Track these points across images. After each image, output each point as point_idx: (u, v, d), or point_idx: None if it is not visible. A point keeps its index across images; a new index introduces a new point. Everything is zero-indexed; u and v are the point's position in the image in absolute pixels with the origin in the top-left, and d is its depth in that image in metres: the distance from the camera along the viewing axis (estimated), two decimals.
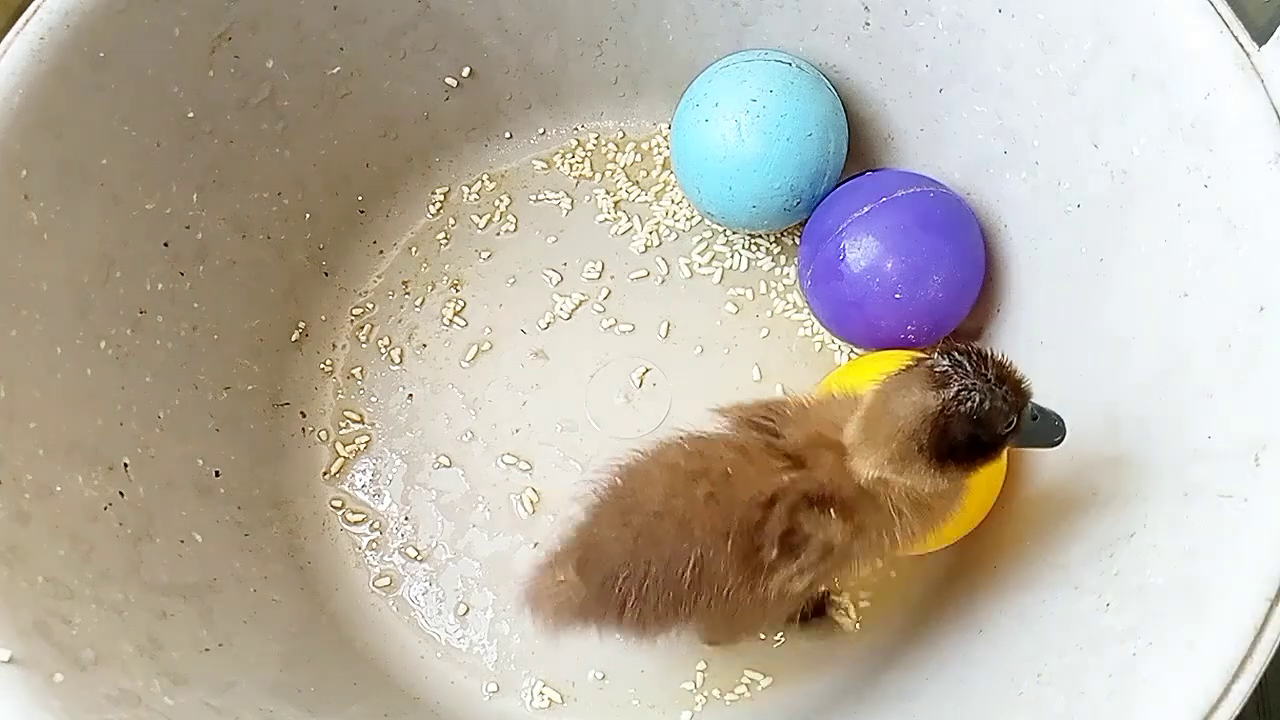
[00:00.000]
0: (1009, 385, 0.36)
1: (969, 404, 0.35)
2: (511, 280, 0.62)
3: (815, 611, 0.52)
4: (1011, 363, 0.37)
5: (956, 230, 0.53)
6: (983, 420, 0.36)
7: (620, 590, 0.39)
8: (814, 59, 0.58)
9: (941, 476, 0.37)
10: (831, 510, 0.38)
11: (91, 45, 0.46)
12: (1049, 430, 0.39)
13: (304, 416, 0.59)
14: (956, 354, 0.36)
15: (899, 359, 0.51)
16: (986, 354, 0.37)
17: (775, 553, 0.38)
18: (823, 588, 0.45)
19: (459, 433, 0.58)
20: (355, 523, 0.57)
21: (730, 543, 0.38)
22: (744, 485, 0.38)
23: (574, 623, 0.42)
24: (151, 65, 0.49)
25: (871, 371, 0.52)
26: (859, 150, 0.60)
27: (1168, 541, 0.38)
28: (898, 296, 0.52)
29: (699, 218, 0.62)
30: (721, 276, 0.61)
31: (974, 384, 0.35)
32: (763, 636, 0.52)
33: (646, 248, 0.62)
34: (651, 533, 0.39)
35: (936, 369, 0.36)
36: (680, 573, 0.38)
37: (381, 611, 0.55)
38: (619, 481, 0.41)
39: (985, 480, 0.49)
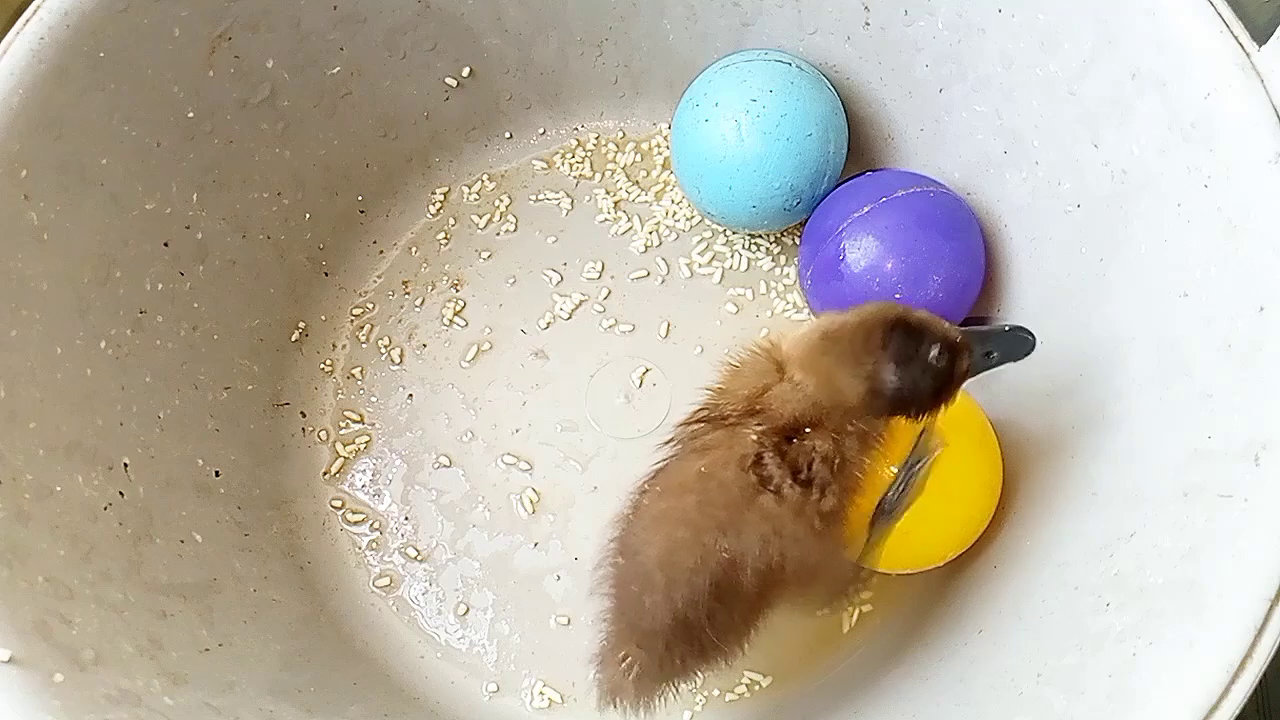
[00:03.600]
0: (936, 347, 0.38)
1: (893, 388, 0.37)
2: (511, 280, 0.62)
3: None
4: (931, 318, 0.38)
5: (956, 230, 0.53)
6: (913, 393, 0.38)
7: (688, 632, 0.39)
8: (814, 59, 0.58)
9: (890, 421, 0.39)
10: (806, 430, 0.39)
11: (91, 45, 0.46)
12: (1013, 349, 0.40)
13: (304, 416, 0.59)
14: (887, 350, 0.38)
15: None
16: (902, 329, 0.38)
17: (793, 490, 0.38)
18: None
19: (459, 433, 0.58)
20: (355, 523, 0.57)
21: (747, 518, 0.38)
22: (724, 470, 0.38)
23: (662, 685, 0.41)
24: (151, 65, 0.49)
25: None
26: (859, 150, 0.60)
27: (1168, 541, 0.38)
28: (898, 296, 0.52)
29: (699, 218, 0.62)
30: (721, 276, 0.61)
31: (891, 371, 0.37)
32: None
33: (646, 248, 0.62)
34: (678, 573, 0.38)
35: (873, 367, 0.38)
36: (731, 578, 0.38)
37: (381, 611, 0.55)
38: (620, 559, 0.40)
39: (985, 489, 0.49)
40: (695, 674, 0.41)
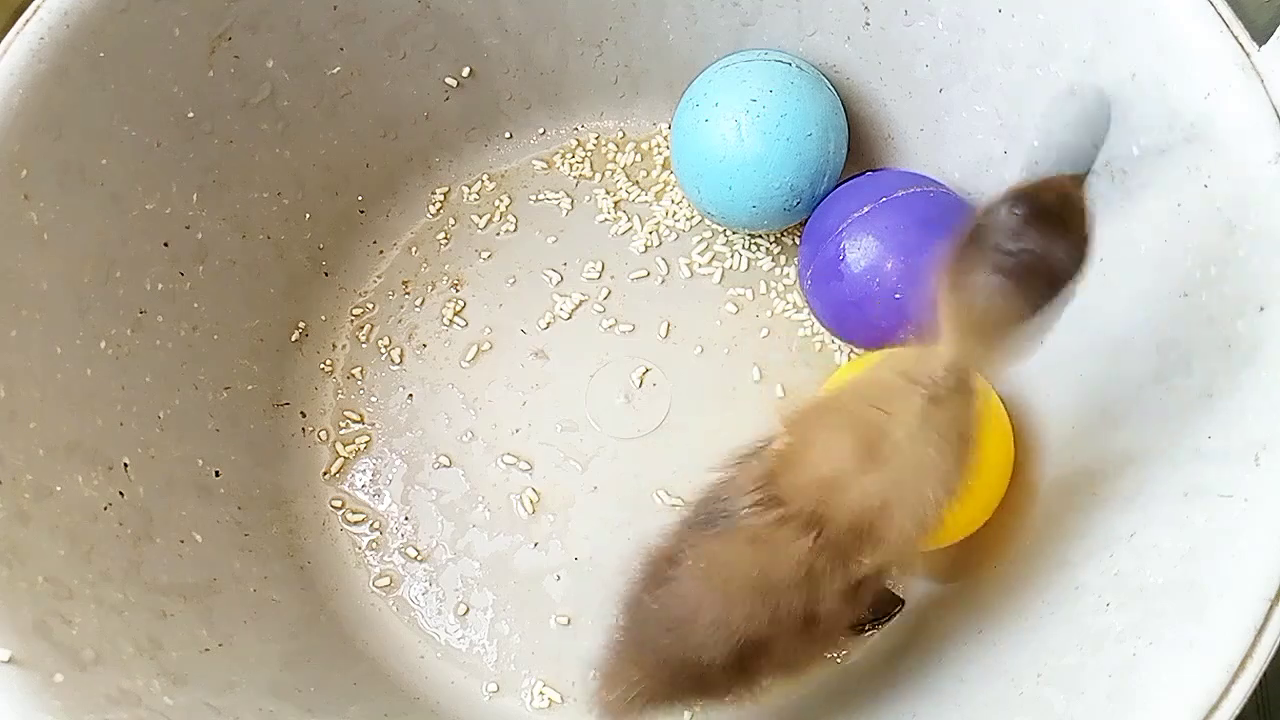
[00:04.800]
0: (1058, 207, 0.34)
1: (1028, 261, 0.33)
2: (511, 280, 0.62)
3: (876, 617, 0.51)
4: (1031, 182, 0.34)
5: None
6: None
7: (700, 679, 0.39)
8: (814, 59, 0.58)
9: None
10: (865, 539, 0.37)
11: (91, 45, 0.46)
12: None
13: (304, 416, 0.59)
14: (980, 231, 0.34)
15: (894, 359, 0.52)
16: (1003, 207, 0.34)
17: (836, 607, 0.38)
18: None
19: (459, 433, 0.58)
20: (355, 523, 0.57)
21: (785, 622, 0.37)
22: (776, 570, 0.37)
23: (660, 712, 0.41)
24: (151, 65, 0.49)
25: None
26: (859, 150, 0.60)
27: (1168, 541, 0.38)
28: (898, 296, 0.52)
29: (699, 218, 0.62)
30: (721, 276, 0.61)
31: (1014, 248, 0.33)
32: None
33: (646, 248, 0.62)
34: (700, 634, 0.38)
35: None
36: (751, 651, 0.38)
37: (381, 611, 0.55)
38: (654, 605, 0.40)
39: (989, 478, 0.49)
40: (693, 708, 0.41)
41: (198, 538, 0.49)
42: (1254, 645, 0.33)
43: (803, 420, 0.39)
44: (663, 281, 0.61)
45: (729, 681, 0.40)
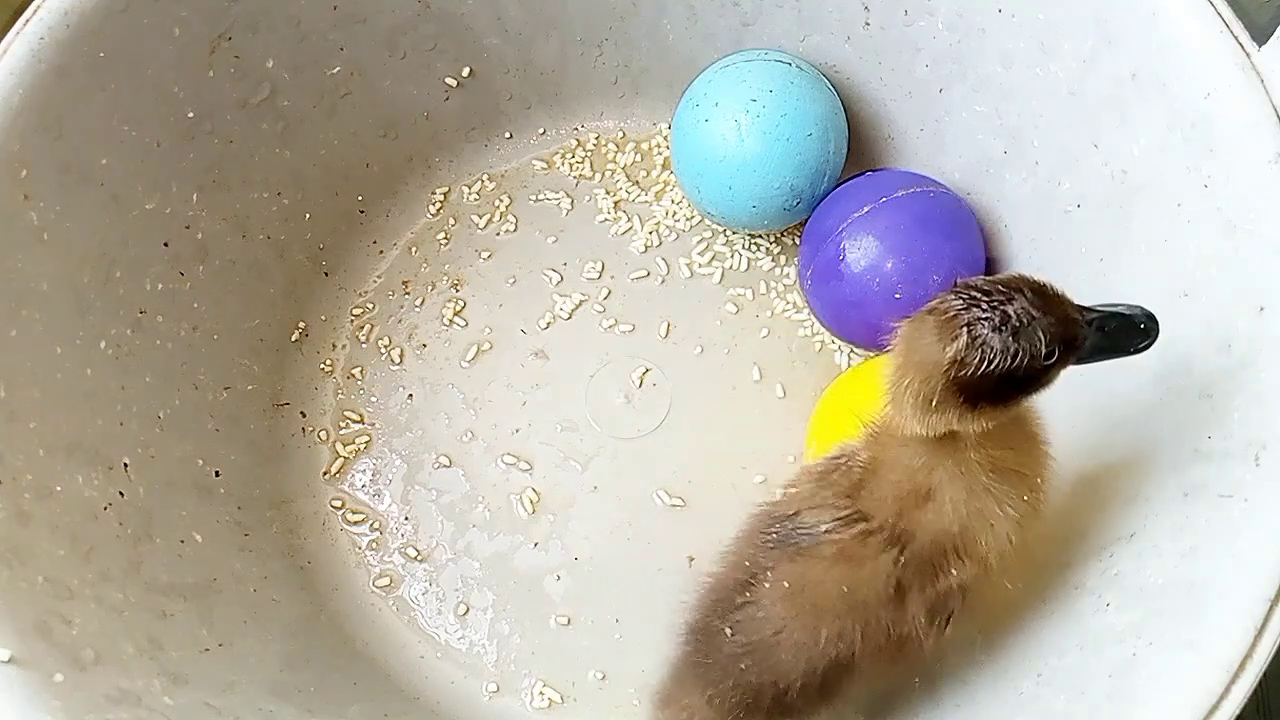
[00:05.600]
0: (1048, 315, 0.32)
1: (984, 354, 0.32)
2: (511, 280, 0.62)
3: None
4: (1050, 286, 0.33)
5: (956, 230, 0.53)
6: (1012, 366, 0.32)
7: (775, 700, 0.38)
8: (814, 59, 0.58)
9: (981, 417, 0.34)
10: (953, 554, 0.36)
11: (91, 45, 0.46)
12: (1127, 337, 0.34)
13: (304, 416, 0.59)
14: (976, 292, 0.33)
15: None
16: (1015, 283, 0.32)
17: (924, 621, 0.37)
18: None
19: (459, 433, 0.58)
20: (355, 523, 0.57)
21: (872, 640, 0.37)
22: (865, 590, 0.37)
23: None
24: (151, 65, 0.49)
25: (874, 378, 0.52)
26: (859, 150, 0.60)
27: (1168, 541, 0.38)
28: (898, 296, 0.52)
29: (699, 218, 0.62)
30: (721, 276, 0.61)
31: (991, 329, 0.32)
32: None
33: (646, 248, 0.62)
34: (784, 657, 0.38)
35: (947, 313, 0.33)
36: (822, 670, 0.37)
37: (381, 611, 0.55)
38: (720, 625, 0.39)
39: None
40: None
41: (198, 538, 0.49)
42: (1254, 645, 0.33)
43: (884, 435, 0.38)
44: (663, 281, 0.61)
45: (810, 705, 0.39)
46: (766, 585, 0.38)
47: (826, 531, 0.37)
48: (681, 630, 0.41)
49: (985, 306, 0.32)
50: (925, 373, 0.34)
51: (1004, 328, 0.32)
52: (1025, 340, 0.32)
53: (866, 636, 0.37)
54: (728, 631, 0.39)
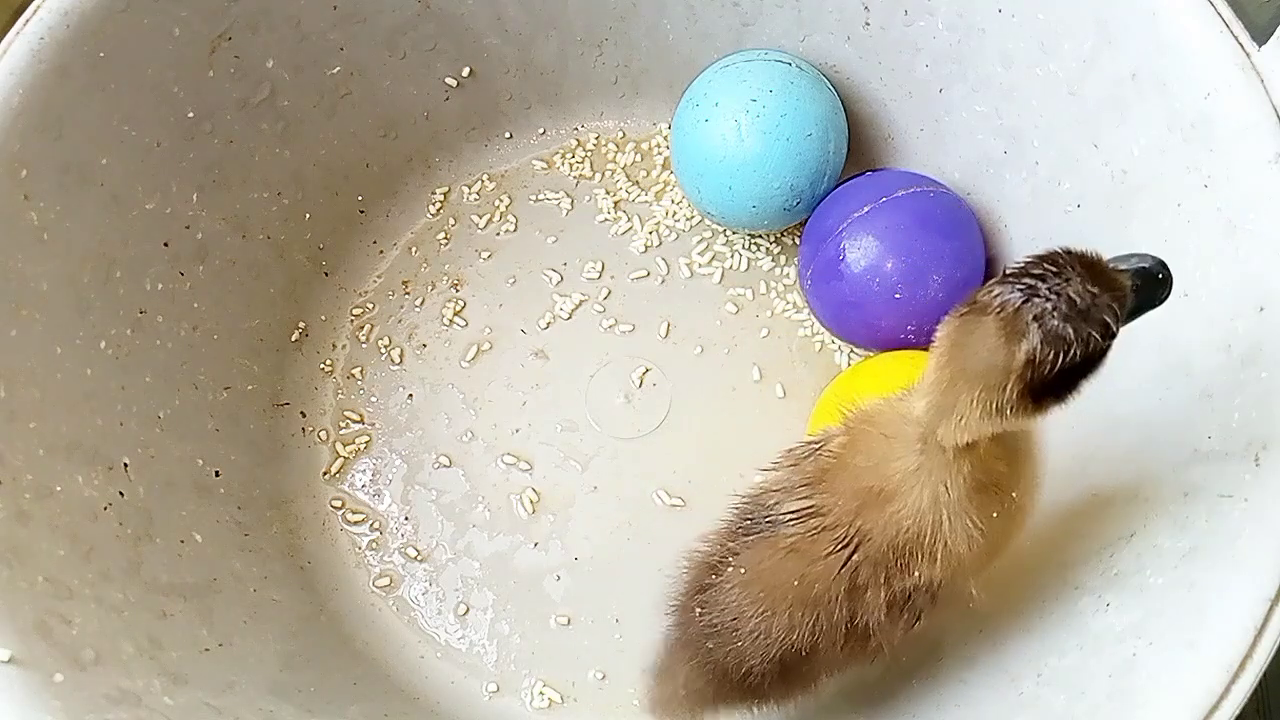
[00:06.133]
0: (1100, 287, 0.30)
1: (1059, 348, 0.29)
2: (511, 280, 0.62)
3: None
4: (1093, 253, 0.30)
5: (956, 230, 0.53)
6: (1088, 352, 0.29)
7: (739, 681, 0.39)
8: (814, 59, 0.58)
9: (1040, 413, 0.32)
10: (914, 556, 0.35)
11: (91, 45, 0.46)
12: (1151, 291, 0.32)
13: (304, 416, 0.59)
14: (1028, 278, 0.30)
15: (901, 364, 0.52)
16: (1061, 259, 0.30)
17: (885, 619, 0.37)
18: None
19: (459, 433, 0.58)
20: (355, 523, 0.57)
21: (830, 633, 0.37)
22: (820, 584, 0.36)
23: (708, 707, 0.41)
24: (151, 65, 0.49)
25: (874, 377, 0.52)
26: (859, 150, 0.60)
27: (1168, 541, 0.38)
28: (898, 296, 0.52)
29: (699, 218, 0.62)
30: (721, 276, 0.61)
31: (1061, 318, 0.29)
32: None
33: (646, 248, 0.62)
34: (742, 642, 0.38)
35: (1007, 309, 0.30)
36: (780, 657, 0.38)
37: (381, 611, 0.55)
38: (693, 605, 0.40)
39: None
40: (744, 712, 0.42)
41: (198, 538, 0.49)
42: (1254, 645, 0.33)
43: (860, 425, 0.37)
44: (663, 281, 0.61)
45: (774, 688, 0.39)
46: (730, 569, 0.38)
47: (786, 522, 0.37)
48: (669, 601, 0.42)
49: (1046, 294, 0.29)
50: (991, 380, 0.30)
51: (1073, 315, 0.29)
52: (1094, 323, 0.30)
53: (822, 629, 0.37)
54: (696, 611, 0.39)
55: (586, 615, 0.54)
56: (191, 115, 0.51)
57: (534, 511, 0.56)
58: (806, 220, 0.57)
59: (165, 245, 0.52)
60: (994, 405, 0.31)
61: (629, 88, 0.64)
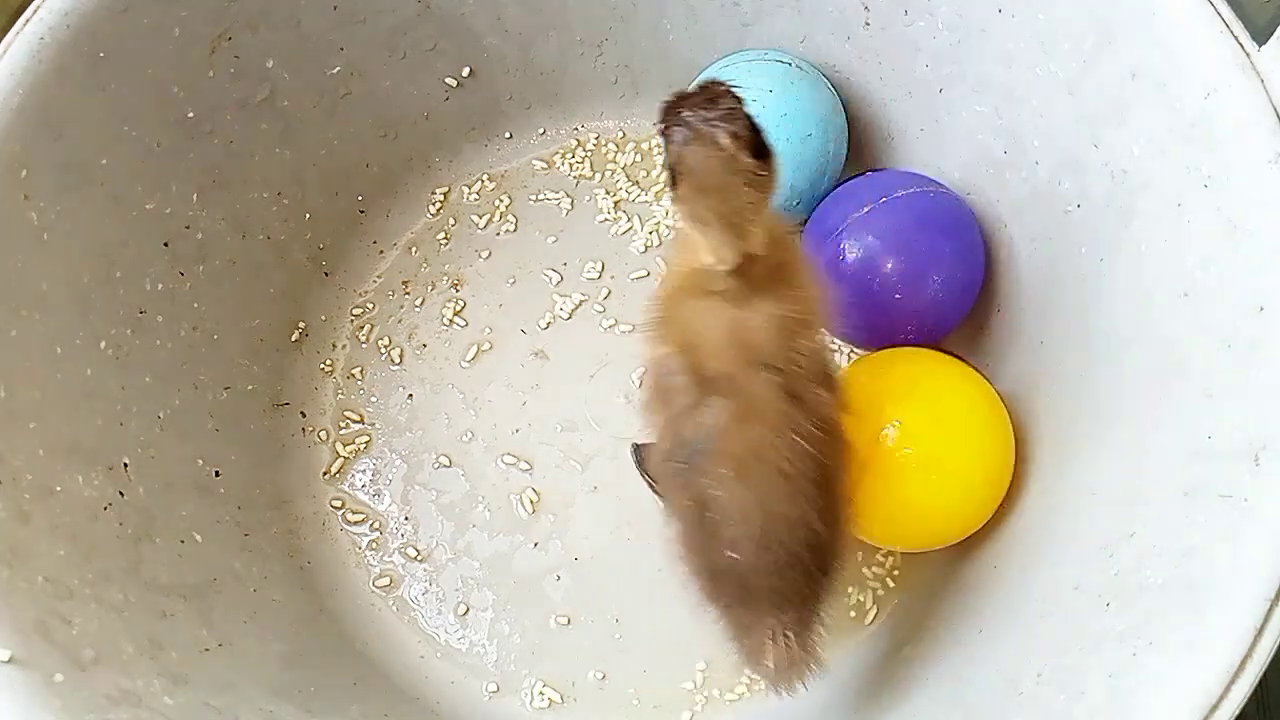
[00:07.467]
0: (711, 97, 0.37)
1: (745, 122, 0.37)
2: (511, 280, 0.62)
3: None
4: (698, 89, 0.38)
5: (956, 230, 0.53)
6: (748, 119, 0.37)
7: (807, 563, 0.40)
8: (814, 59, 0.58)
9: (769, 187, 0.38)
10: (790, 340, 0.40)
11: (91, 45, 0.46)
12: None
13: (304, 416, 0.59)
14: (673, 107, 0.38)
15: (901, 363, 0.52)
16: (677, 99, 0.38)
17: (827, 393, 0.41)
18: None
19: (459, 433, 0.58)
20: (355, 523, 0.57)
21: (803, 487, 0.39)
22: (769, 433, 0.39)
23: (812, 634, 0.42)
24: (151, 65, 0.49)
25: (874, 377, 0.52)
26: (859, 150, 0.60)
27: (1168, 541, 0.38)
28: (898, 296, 0.52)
29: None
30: None
31: (725, 113, 0.37)
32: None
33: (646, 248, 0.62)
34: (765, 534, 0.40)
35: (692, 127, 0.37)
36: (815, 492, 0.40)
37: (381, 611, 0.55)
38: (720, 546, 0.41)
39: (989, 480, 0.49)
40: (824, 605, 0.42)
41: (198, 538, 0.49)
42: (1254, 645, 0.33)
43: (674, 322, 0.42)
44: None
45: (827, 537, 0.41)
46: (715, 493, 0.40)
47: (710, 429, 0.40)
48: (699, 585, 0.43)
49: (689, 105, 0.37)
50: (727, 172, 0.37)
51: (722, 97, 0.37)
52: (730, 100, 0.37)
53: (801, 453, 0.39)
54: (727, 554, 0.40)
55: (586, 615, 0.54)
56: (191, 115, 0.51)
57: (534, 511, 0.56)
58: (806, 220, 0.57)
59: (165, 245, 0.52)
60: (740, 187, 0.37)
61: (629, 88, 0.64)
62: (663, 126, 0.38)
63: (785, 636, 0.41)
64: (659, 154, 0.64)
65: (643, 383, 0.43)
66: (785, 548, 0.40)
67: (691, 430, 0.40)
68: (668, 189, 0.39)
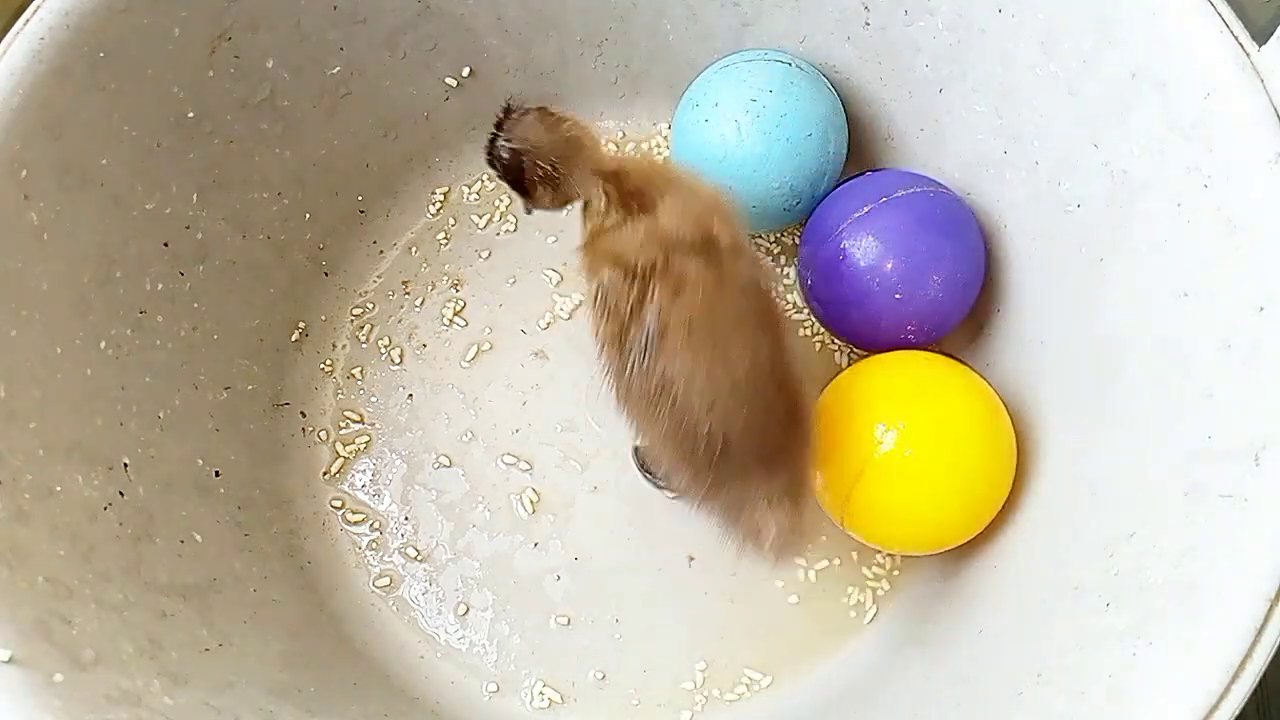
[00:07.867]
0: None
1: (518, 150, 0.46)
2: (511, 280, 0.62)
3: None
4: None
5: (956, 230, 0.53)
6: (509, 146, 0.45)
7: (779, 440, 0.43)
8: (814, 59, 0.58)
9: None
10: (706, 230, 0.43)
11: (91, 45, 0.46)
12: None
13: (304, 416, 0.59)
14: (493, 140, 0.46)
15: (905, 363, 0.52)
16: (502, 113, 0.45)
17: (750, 273, 0.44)
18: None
19: (459, 433, 0.58)
20: (355, 523, 0.57)
21: (750, 321, 0.43)
22: (711, 300, 0.42)
23: (802, 501, 0.44)
24: (151, 65, 0.49)
25: (874, 377, 0.52)
26: (859, 150, 0.60)
27: (1168, 541, 0.38)
28: (898, 296, 0.52)
29: None
30: None
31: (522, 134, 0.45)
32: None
33: None
34: (731, 391, 0.42)
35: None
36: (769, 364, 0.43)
37: (381, 611, 0.55)
38: (695, 444, 0.42)
39: (991, 482, 0.49)
40: (808, 465, 0.45)
41: (198, 538, 0.49)
42: (1254, 645, 0.33)
43: (590, 260, 0.47)
44: None
45: (791, 415, 0.43)
46: (677, 382, 0.42)
47: (654, 305, 0.42)
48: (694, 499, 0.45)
49: (491, 141, 0.46)
50: (550, 141, 0.46)
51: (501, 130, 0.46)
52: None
53: (744, 313, 0.42)
54: (706, 423, 0.42)
55: (586, 615, 0.54)
56: (191, 115, 0.51)
57: (534, 511, 0.56)
58: (806, 220, 0.57)
59: (165, 245, 0.52)
60: (561, 139, 0.46)
61: (629, 88, 0.64)
62: (489, 159, 0.46)
63: (780, 503, 0.43)
64: (659, 154, 0.64)
65: (590, 309, 0.46)
66: (758, 394, 0.42)
67: (638, 325, 0.42)
68: (528, 203, 0.48)
